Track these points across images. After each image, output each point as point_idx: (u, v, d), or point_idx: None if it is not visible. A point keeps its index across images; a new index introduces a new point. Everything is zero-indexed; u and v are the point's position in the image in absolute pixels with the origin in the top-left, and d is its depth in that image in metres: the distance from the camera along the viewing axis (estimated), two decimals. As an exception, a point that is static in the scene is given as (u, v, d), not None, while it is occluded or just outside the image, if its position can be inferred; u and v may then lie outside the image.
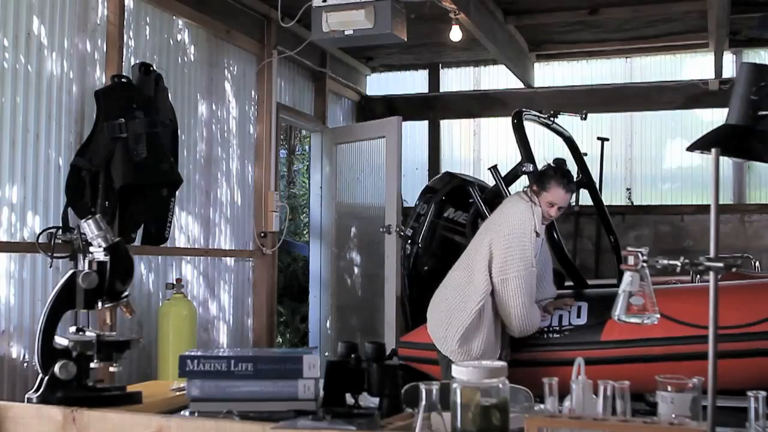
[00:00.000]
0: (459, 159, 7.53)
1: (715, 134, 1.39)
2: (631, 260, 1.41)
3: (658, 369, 4.22)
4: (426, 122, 7.61)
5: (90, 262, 2.09)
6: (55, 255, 3.75)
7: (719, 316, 1.27)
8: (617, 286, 1.66)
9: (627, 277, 1.46)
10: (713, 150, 1.28)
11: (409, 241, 5.68)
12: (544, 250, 4.10)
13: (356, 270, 6.91)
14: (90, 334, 2.07)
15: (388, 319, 6.01)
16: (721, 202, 1.29)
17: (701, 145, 1.37)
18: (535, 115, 5.29)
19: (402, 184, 6.22)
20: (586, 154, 5.71)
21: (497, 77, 7.47)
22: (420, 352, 4.40)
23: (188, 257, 5.04)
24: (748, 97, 1.34)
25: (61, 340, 2.01)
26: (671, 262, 1.36)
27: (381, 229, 6.02)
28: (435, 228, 5.60)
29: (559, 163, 4.01)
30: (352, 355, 1.76)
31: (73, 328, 2.15)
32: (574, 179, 4.34)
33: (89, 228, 2.10)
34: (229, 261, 5.52)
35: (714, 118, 6.92)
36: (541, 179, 3.91)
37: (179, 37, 5.01)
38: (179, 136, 4.68)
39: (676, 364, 4.10)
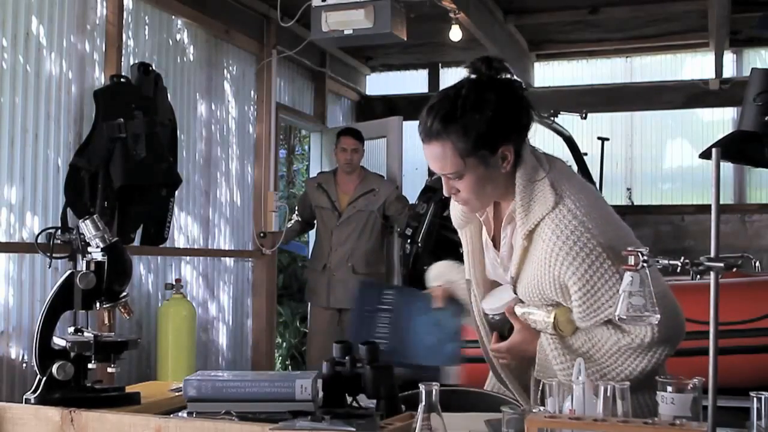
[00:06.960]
0: (459, 159, 7.50)
1: (730, 140, 1.38)
2: (631, 260, 1.40)
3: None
4: (426, 122, 7.59)
5: (88, 263, 2.08)
6: (54, 255, 3.74)
7: (719, 312, 1.26)
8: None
9: (627, 277, 1.45)
10: (714, 150, 1.27)
11: (409, 240, 5.67)
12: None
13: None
14: (88, 334, 2.06)
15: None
16: (721, 202, 1.28)
17: (723, 154, 1.34)
18: (535, 115, 5.27)
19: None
20: (586, 154, 5.71)
21: (497, 77, 7.47)
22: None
23: (187, 257, 5.04)
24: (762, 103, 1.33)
25: (59, 341, 2.01)
26: (671, 262, 1.35)
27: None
28: (435, 227, 5.59)
29: None
30: (347, 357, 1.74)
31: (71, 329, 2.14)
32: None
33: (87, 228, 2.09)
34: (229, 261, 5.51)
35: (714, 117, 6.93)
36: None
37: (178, 36, 5.00)
38: (178, 136, 4.67)
39: (676, 360, 4.09)
